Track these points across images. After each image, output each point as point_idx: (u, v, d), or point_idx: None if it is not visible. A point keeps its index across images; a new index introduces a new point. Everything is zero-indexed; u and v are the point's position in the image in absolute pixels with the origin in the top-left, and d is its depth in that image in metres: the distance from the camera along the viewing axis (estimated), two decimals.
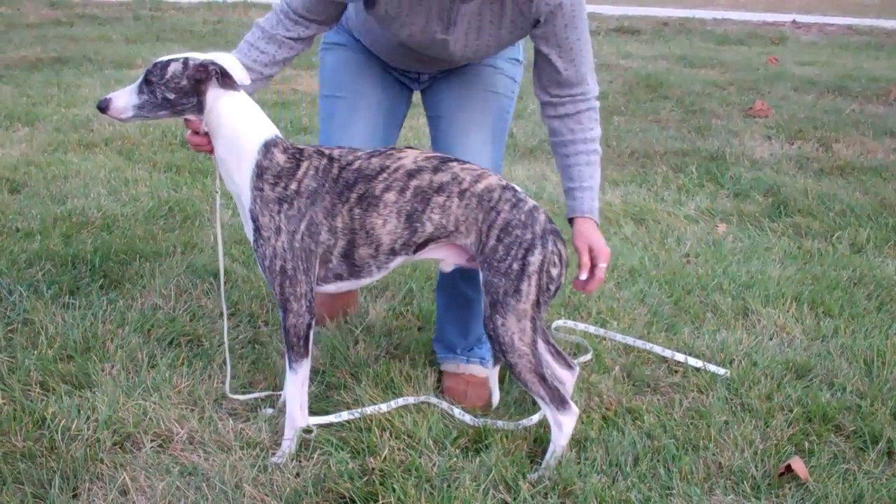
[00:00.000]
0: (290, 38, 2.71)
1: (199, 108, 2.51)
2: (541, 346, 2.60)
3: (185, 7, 15.09)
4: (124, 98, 2.51)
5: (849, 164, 5.96)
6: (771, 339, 3.42)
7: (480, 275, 2.52)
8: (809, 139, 6.68)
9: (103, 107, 2.51)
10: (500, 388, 3.00)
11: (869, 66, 10.55)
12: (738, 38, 13.29)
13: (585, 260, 2.63)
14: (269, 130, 2.54)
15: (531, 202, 2.54)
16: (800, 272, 4.07)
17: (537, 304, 2.49)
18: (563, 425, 2.53)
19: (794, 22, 15.77)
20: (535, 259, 2.47)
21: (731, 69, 9.96)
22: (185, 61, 2.48)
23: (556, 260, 2.51)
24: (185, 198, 4.80)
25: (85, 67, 9.11)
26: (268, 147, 2.51)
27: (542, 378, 2.52)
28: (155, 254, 4.01)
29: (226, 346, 2.92)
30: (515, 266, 2.46)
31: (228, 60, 2.54)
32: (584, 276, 2.63)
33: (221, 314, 3.42)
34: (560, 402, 2.53)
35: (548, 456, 2.55)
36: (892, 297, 3.80)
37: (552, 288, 2.52)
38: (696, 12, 16.56)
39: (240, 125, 2.51)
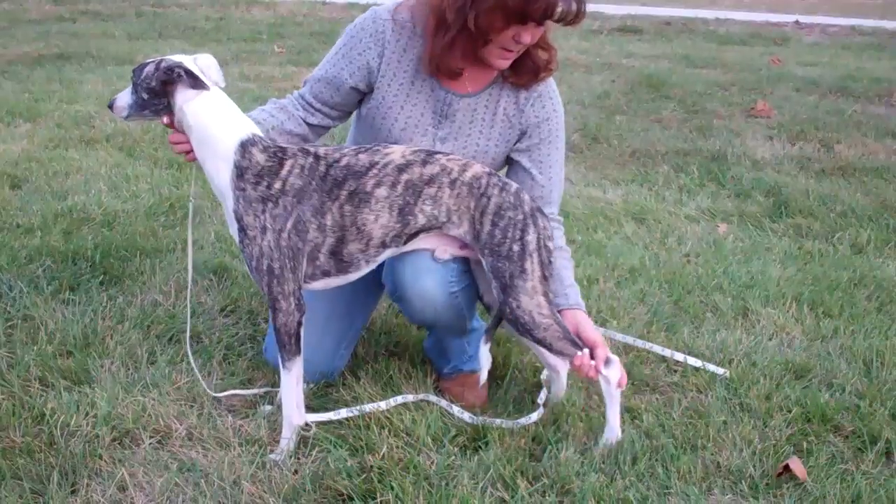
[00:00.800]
0: (298, 115, 2.85)
1: (170, 109, 2.53)
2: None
3: (188, 3, 15.08)
4: (123, 97, 2.58)
5: (850, 164, 5.95)
6: (770, 339, 3.42)
7: (484, 262, 2.55)
8: (811, 140, 6.68)
9: (111, 105, 2.61)
10: (500, 388, 3.01)
11: (871, 67, 10.54)
12: (741, 39, 13.28)
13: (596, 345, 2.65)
14: (245, 129, 2.52)
15: (514, 184, 2.60)
16: (800, 273, 4.07)
17: (544, 277, 2.54)
18: (610, 378, 2.60)
19: (796, 22, 15.75)
20: (531, 238, 2.52)
21: (734, 69, 9.95)
22: (158, 63, 2.50)
23: (548, 234, 2.57)
24: (186, 194, 4.79)
25: (87, 64, 9.11)
26: (245, 147, 2.50)
27: (574, 343, 2.57)
28: (155, 250, 4.02)
29: (188, 347, 2.90)
30: (516, 247, 2.50)
31: (206, 60, 2.56)
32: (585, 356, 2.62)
33: (221, 311, 3.44)
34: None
35: (607, 415, 2.63)
36: (893, 299, 3.80)
37: (552, 260, 2.57)
38: (698, 12, 16.54)
39: (212, 126, 2.51)
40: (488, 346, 2.72)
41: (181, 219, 4.48)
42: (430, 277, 2.67)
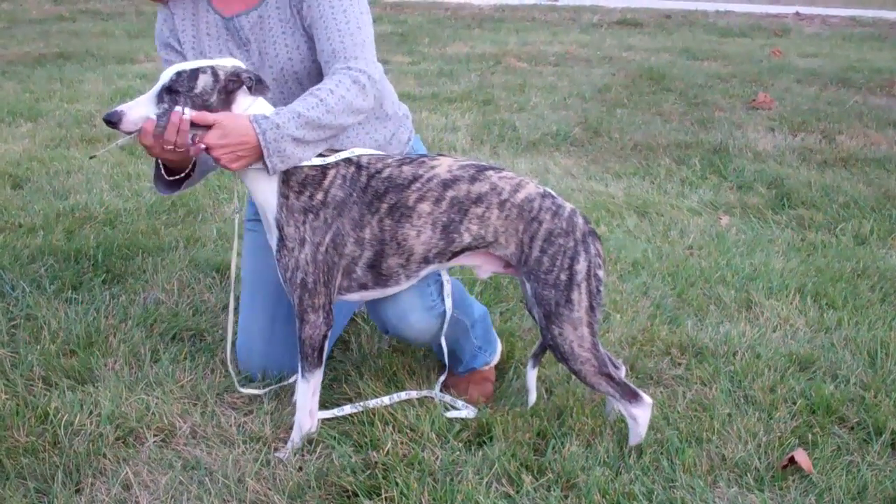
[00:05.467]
0: None
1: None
2: None
3: None
4: (140, 109, 2.35)
5: (852, 155, 5.94)
6: (774, 331, 3.41)
7: (527, 286, 2.50)
8: (813, 131, 6.66)
9: (114, 120, 2.33)
10: (504, 382, 3.01)
11: (872, 58, 10.52)
12: (741, 31, 13.26)
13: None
14: None
15: (569, 207, 2.52)
16: (803, 264, 4.06)
17: (591, 308, 2.48)
18: (639, 417, 2.55)
19: (796, 13, 15.73)
20: (581, 267, 2.45)
21: (734, 61, 9.93)
22: (215, 72, 2.39)
23: (599, 262, 2.50)
24: (188, 193, 4.78)
25: (88, 63, 9.11)
26: None
27: (609, 377, 2.52)
28: (158, 248, 4.01)
29: (227, 342, 2.89)
30: (563, 277, 2.45)
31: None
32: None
33: (223, 308, 3.43)
34: (631, 395, 2.54)
35: (630, 447, 2.58)
36: None
37: (601, 289, 2.51)
38: (698, 4, 16.52)
39: None
40: (535, 370, 2.71)
41: (183, 217, 4.48)
42: (414, 314, 2.69)
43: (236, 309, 2.99)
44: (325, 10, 2.61)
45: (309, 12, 2.64)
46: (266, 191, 2.48)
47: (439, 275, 2.73)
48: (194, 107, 2.36)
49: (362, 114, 2.56)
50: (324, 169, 2.47)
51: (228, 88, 2.40)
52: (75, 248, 3.90)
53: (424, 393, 2.85)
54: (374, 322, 2.93)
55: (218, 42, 2.75)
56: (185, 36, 2.78)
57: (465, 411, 2.75)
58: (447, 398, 2.83)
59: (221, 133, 2.36)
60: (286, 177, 2.46)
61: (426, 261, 2.51)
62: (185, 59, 2.76)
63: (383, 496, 2.35)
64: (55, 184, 4.91)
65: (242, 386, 2.87)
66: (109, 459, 2.50)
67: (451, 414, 2.72)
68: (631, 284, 3.78)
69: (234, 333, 3.00)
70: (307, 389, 2.59)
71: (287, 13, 2.69)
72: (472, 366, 2.98)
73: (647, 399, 2.56)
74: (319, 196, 2.46)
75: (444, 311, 2.74)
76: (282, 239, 2.47)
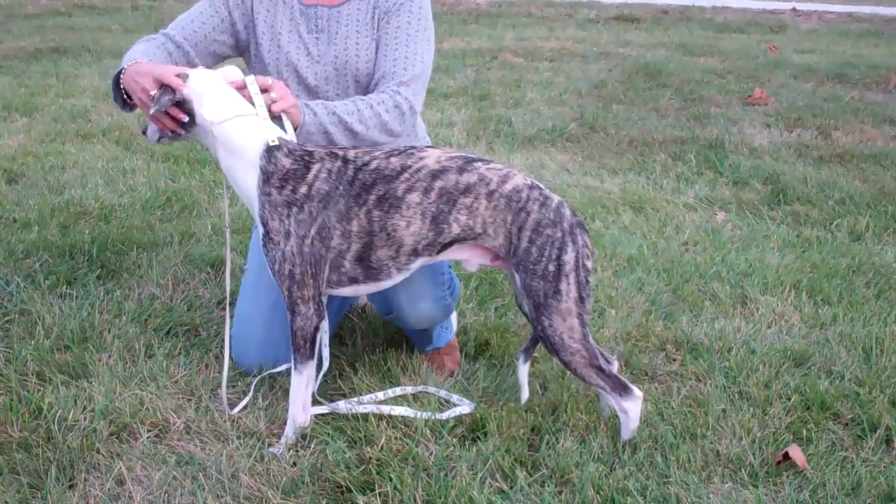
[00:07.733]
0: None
1: (192, 121, 2.52)
2: None
3: None
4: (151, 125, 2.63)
5: (848, 151, 5.94)
6: (769, 327, 3.41)
7: (517, 277, 2.51)
8: (808, 127, 6.67)
9: (144, 131, 2.70)
10: (500, 377, 3.01)
11: (868, 54, 10.53)
12: (738, 26, 13.26)
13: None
14: (270, 134, 2.51)
15: (556, 198, 2.52)
16: (798, 260, 4.06)
17: (580, 299, 2.48)
18: (630, 411, 2.56)
19: (793, 10, 15.73)
20: (569, 258, 2.46)
21: (731, 57, 9.93)
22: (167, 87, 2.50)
23: (588, 253, 2.50)
24: (183, 188, 4.79)
25: (83, 58, 9.10)
26: (270, 151, 2.49)
27: (600, 369, 2.52)
28: (152, 244, 4.01)
29: (225, 368, 2.89)
30: (551, 267, 2.45)
31: (232, 73, 2.59)
32: None
33: (218, 304, 3.43)
34: (622, 389, 2.54)
35: (622, 441, 2.58)
36: (891, 285, 3.79)
37: (590, 280, 2.52)
38: (695, 0, 16.51)
39: (237, 134, 2.50)
40: (527, 365, 2.71)
41: (178, 212, 4.47)
42: (426, 301, 2.80)
43: (232, 308, 3.00)
44: (401, 33, 2.85)
45: (386, 28, 2.87)
46: (249, 189, 2.52)
47: (452, 275, 2.92)
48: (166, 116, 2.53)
49: (395, 136, 2.79)
50: (307, 163, 2.49)
51: (175, 101, 2.48)
52: (70, 244, 3.90)
53: (420, 388, 2.85)
54: (372, 303, 3.04)
55: (291, 22, 2.91)
56: (259, 7, 2.93)
57: (462, 407, 2.75)
58: (442, 393, 2.83)
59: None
60: (267, 176, 2.48)
61: (416, 253, 2.51)
62: (228, 17, 2.93)
63: (377, 491, 2.34)
64: (50, 179, 4.90)
65: (232, 385, 2.87)
66: (103, 454, 2.50)
67: (446, 414, 2.71)
68: (626, 280, 3.78)
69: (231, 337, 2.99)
70: (300, 382, 2.59)
71: (367, 17, 2.88)
72: (438, 346, 3.08)
73: (638, 392, 2.56)
74: (303, 189, 2.47)
75: (450, 304, 2.92)
76: (267, 233, 2.49)
